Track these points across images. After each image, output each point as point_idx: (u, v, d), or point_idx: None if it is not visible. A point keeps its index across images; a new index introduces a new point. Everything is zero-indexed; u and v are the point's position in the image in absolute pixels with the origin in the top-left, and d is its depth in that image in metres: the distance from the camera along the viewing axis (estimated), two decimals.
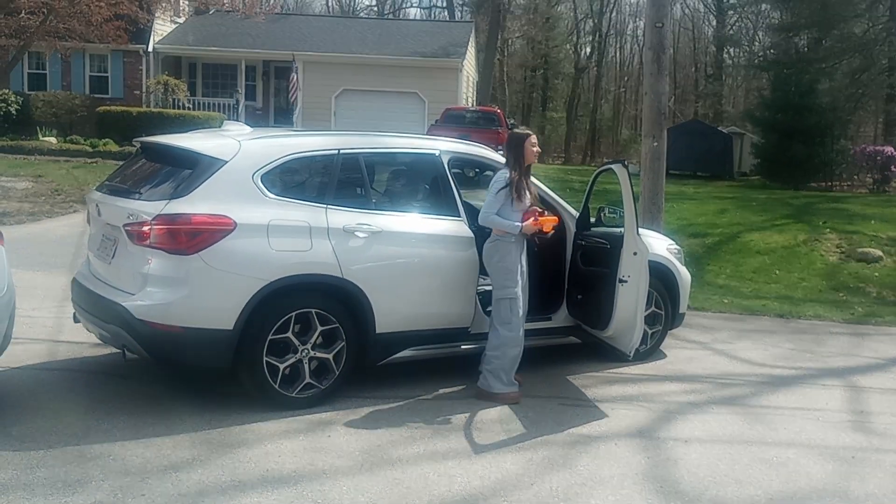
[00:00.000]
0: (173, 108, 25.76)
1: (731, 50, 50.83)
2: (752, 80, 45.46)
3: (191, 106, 26.80)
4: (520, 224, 5.66)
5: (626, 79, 55.18)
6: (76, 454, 4.45)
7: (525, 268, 5.85)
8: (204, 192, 5.15)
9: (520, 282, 5.74)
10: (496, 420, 5.35)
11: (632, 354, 6.17)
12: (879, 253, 12.56)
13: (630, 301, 6.01)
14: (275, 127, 23.88)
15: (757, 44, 47.97)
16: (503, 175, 5.77)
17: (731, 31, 49.18)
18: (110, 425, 4.88)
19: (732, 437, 5.29)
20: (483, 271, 6.11)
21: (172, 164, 5.55)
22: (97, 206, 5.71)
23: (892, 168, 25.59)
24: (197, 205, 5.09)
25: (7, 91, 23.39)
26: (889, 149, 26.24)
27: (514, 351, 5.72)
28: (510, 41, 48.21)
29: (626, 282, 6.01)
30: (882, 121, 37.63)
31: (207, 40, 28.70)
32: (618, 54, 56.51)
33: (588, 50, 52.93)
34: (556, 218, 6.15)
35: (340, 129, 21.89)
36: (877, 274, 11.82)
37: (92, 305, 5.43)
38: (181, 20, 29.79)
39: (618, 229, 6.32)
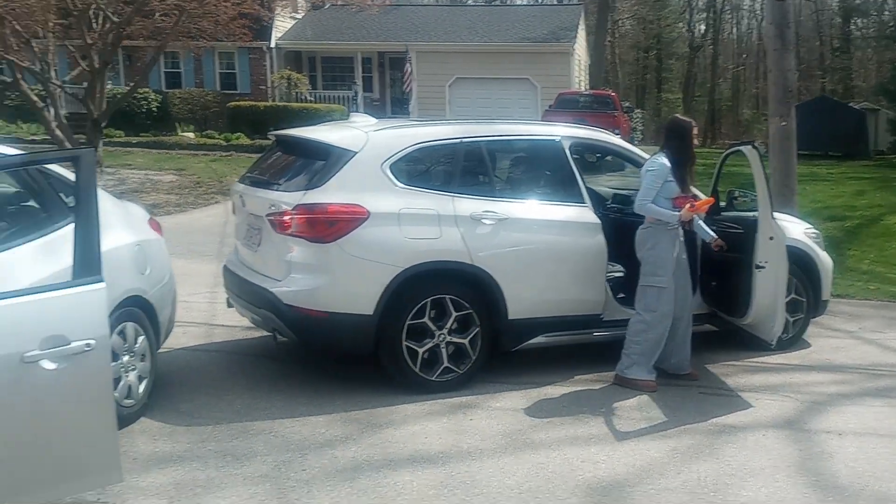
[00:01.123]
0: (296, 101, 26.64)
1: (859, 20, 48.07)
2: (883, 52, 42.97)
3: (312, 99, 27.59)
4: (678, 213, 5.56)
5: (744, 56, 53.12)
6: (240, 430, 4.71)
7: (685, 258, 5.78)
8: (337, 183, 5.31)
9: (670, 271, 5.62)
10: (635, 407, 5.30)
11: (775, 342, 5.97)
12: None
13: (769, 287, 5.81)
14: (392, 117, 24.29)
15: (887, 13, 45.21)
16: (658, 162, 5.65)
17: (859, 1, 46.42)
18: (268, 403, 5.14)
19: (891, 431, 5.03)
20: (611, 258, 6.05)
21: (306, 156, 5.75)
22: (241, 196, 5.97)
23: None
24: (331, 194, 5.25)
25: (147, 90, 24.79)
26: None
27: (655, 338, 5.63)
28: (620, 22, 47.22)
29: (763, 267, 5.81)
30: None
31: (325, 34, 29.44)
32: (734, 30, 54.45)
33: (703, 28, 51.23)
34: (711, 199, 6.06)
35: (455, 117, 22.10)
36: None
37: (243, 291, 5.70)
38: (300, 16, 30.63)
39: (750, 213, 6.12)
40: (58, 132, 15.63)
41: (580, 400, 5.40)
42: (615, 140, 6.73)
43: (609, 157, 8.39)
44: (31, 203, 4.50)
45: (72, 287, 3.11)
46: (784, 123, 9.95)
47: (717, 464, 4.45)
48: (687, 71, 49.04)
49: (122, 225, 5.02)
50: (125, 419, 4.50)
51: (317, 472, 4.17)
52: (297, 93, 27.24)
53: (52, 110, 16.14)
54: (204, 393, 5.30)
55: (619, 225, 6.42)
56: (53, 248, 4.05)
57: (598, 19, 34.18)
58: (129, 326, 4.70)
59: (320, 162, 5.49)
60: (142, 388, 4.83)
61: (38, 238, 4.12)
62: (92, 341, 3.05)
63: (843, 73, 46.51)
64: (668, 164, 5.60)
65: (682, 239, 5.77)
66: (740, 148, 6.25)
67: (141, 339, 4.83)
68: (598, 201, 6.89)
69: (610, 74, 43.20)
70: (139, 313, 4.84)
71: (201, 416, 4.89)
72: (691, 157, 5.77)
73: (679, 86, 49.99)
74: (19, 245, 4.03)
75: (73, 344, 3.00)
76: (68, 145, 15.23)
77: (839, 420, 5.18)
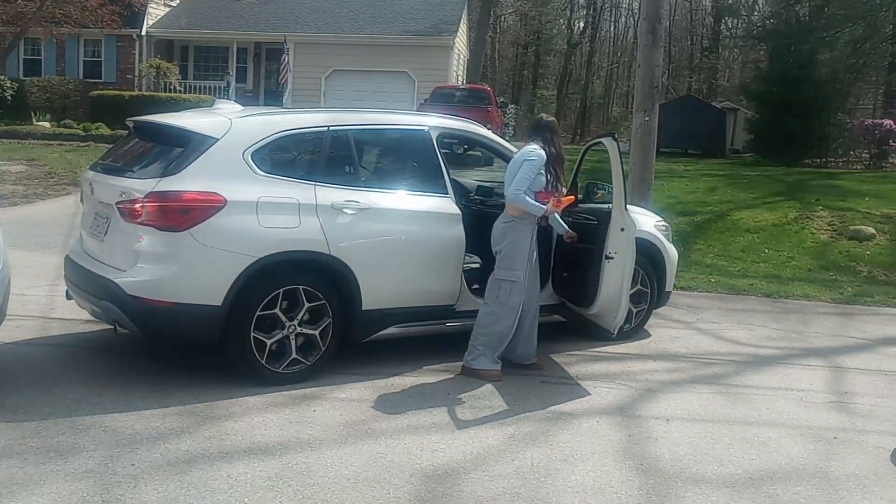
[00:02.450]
0: (165, 91, 25.80)
1: (730, 21, 50.29)
2: (749, 53, 44.90)
3: (182, 89, 26.76)
4: (545, 207, 5.67)
5: (619, 54, 54.78)
6: (68, 425, 4.52)
7: (537, 252, 5.90)
8: (195, 170, 5.20)
9: (527, 266, 5.75)
10: (479, 396, 5.42)
11: (616, 333, 6.22)
12: (872, 230, 12.43)
13: (616, 278, 6.04)
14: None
15: (756, 14, 47.46)
16: (537, 152, 5.72)
17: (731, 1, 48.54)
18: (101, 398, 4.95)
19: (714, 416, 5.35)
20: (469, 249, 6.17)
21: (164, 143, 5.60)
22: (90, 184, 5.76)
23: (891, 142, 25.27)
24: (188, 182, 5.14)
25: (3, 77, 23.62)
26: (888, 122, 25.85)
27: (503, 331, 5.76)
28: (503, 17, 47.84)
29: (612, 258, 6.03)
30: (882, 93, 37.40)
31: (199, 23, 28.63)
32: (612, 28, 56.08)
33: (581, 25, 52.50)
34: (573, 197, 6.22)
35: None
36: (868, 252, 11.79)
37: (84, 282, 5.49)
38: (174, 3, 29.66)
39: (605, 205, 6.34)
40: None
41: (426, 390, 5.49)
42: (484, 132, 6.83)
43: (478, 149, 8.52)
44: None
45: None
46: (647, 118, 10.34)
47: (550, 450, 4.62)
48: (563, 68, 50.21)
49: None
50: None
51: (146, 467, 4.06)
52: (166, 82, 26.37)
53: None
54: (32, 388, 5.07)
55: (481, 216, 6.56)
56: None
57: (481, 14, 34.47)
58: None
59: (178, 149, 5.36)
60: None
61: None
62: None
63: (709, 73, 48.66)
64: (546, 156, 5.71)
65: (536, 234, 5.91)
66: (601, 139, 6.44)
67: None
68: (462, 193, 7.00)
69: (488, 70, 43.79)
70: None
71: (27, 412, 4.67)
72: (562, 155, 5.92)
73: (554, 82, 51.13)
74: None
75: None
76: None
77: (668, 406, 5.46)
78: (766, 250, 11.92)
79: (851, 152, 27.93)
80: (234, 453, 4.30)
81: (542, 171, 5.71)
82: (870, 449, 4.92)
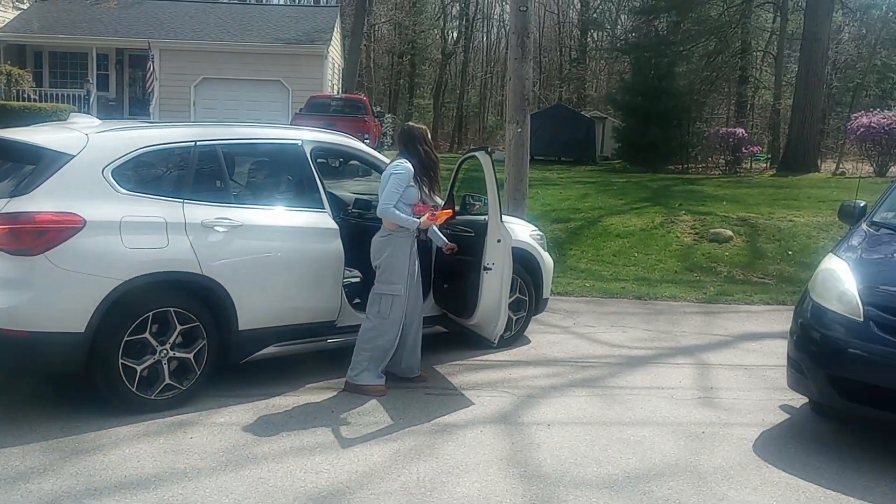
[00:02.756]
0: (17, 100, 24.13)
1: (595, 33, 52.16)
2: (614, 64, 46.83)
3: (37, 97, 25.20)
4: (418, 220, 5.65)
5: (492, 64, 55.85)
6: None
7: (418, 265, 5.87)
8: (49, 189, 4.93)
9: (408, 281, 5.73)
10: (364, 412, 5.37)
11: (496, 341, 6.29)
12: (730, 233, 13.13)
13: (495, 288, 6.10)
14: (129, 119, 22.92)
15: (619, 27, 49.53)
16: (404, 165, 5.70)
17: (595, 15, 50.27)
18: None
19: (592, 418, 5.49)
20: (349, 263, 6.10)
21: (13, 160, 5.30)
22: None
23: (744, 149, 27.19)
24: (41, 202, 4.86)
25: None
26: (740, 130, 27.91)
27: (385, 345, 5.73)
28: (377, 26, 47.88)
29: (490, 269, 6.07)
30: (734, 103, 39.88)
31: (54, 27, 27.15)
32: (484, 39, 57.09)
33: (455, 35, 53.24)
34: (450, 211, 6.20)
35: (200, 121, 21.22)
36: (727, 253, 12.40)
37: None
38: (25, 6, 28.04)
39: (482, 217, 6.39)
40: None
41: (308, 409, 5.38)
42: (359, 145, 6.78)
43: (353, 163, 8.45)
44: None
45: None
46: (520, 130, 10.54)
47: (436, 463, 4.61)
48: (438, 77, 50.75)
49: None
50: None
51: None
52: (18, 90, 24.73)
53: None
54: None
55: (359, 230, 6.51)
56: None
57: (354, 23, 34.32)
58: None
59: (30, 167, 5.06)
60: None
61: None
62: None
63: (578, 83, 50.30)
64: (413, 168, 5.70)
65: (416, 247, 5.89)
66: (475, 153, 6.49)
67: None
68: (339, 206, 6.92)
69: (364, 78, 43.70)
70: None
71: None
72: (434, 161, 5.91)
73: (430, 91, 51.58)
74: None
75: None
76: None
77: (549, 411, 5.57)
78: (636, 254, 12.38)
79: (709, 159, 29.65)
80: (103, 490, 4.07)
81: (413, 183, 5.71)
82: (735, 441, 5.17)
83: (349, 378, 5.75)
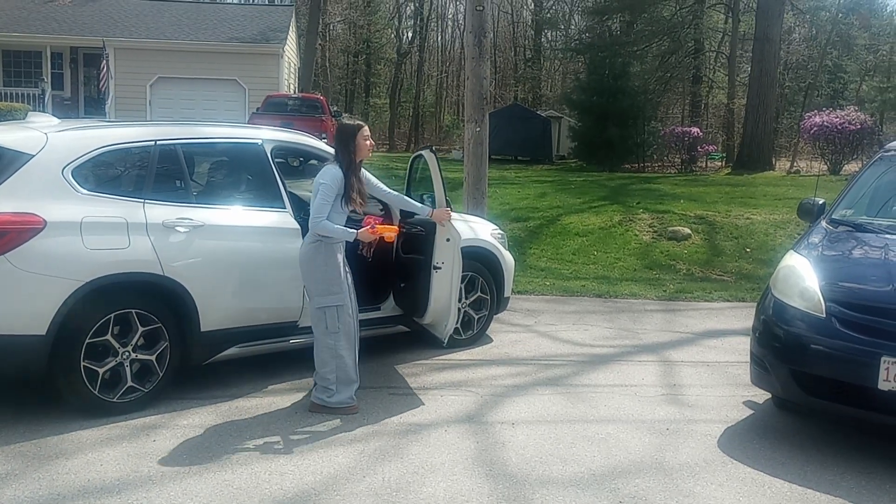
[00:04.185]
0: None
1: (549, 33, 52.41)
2: (569, 64, 47.15)
3: None
4: (355, 231, 5.36)
5: (448, 64, 55.89)
6: None
7: (347, 267, 5.49)
8: (8, 190, 4.87)
9: (346, 286, 5.39)
10: (328, 414, 5.34)
11: (446, 341, 6.31)
12: (688, 231, 13.28)
13: (444, 288, 6.08)
14: (85, 118, 22.48)
15: (573, 27, 49.87)
16: (330, 173, 5.35)
17: (549, 15, 50.44)
18: None
19: (556, 416, 5.53)
20: None
21: None
22: None
23: (699, 148, 27.67)
24: (0, 203, 4.76)
25: None
26: (695, 129, 28.42)
27: (347, 358, 5.37)
28: (332, 25, 47.60)
29: (440, 268, 6.05)
30: (688, 102, 40.51)
31: (7, 25, 26.48)
32: (439, 38, 57.06)
33: (410, 34, 53.14)
34: (395, 228, 6.04)
35: (157, 119, 20.93)
36: (686, 251, 12.56)
37: None
38: None
39: None
40: None
41: (272, 411, 5.35)
42: (319, 144, 6.74)
43: (313, 162, 8.40)
44: None
45: None
46: (478, 129, 10.59)
47: (401, 463, 4.62)
48: (394, 76, 50.63)
49: None
50: None
51: None
52: None
53: None
54: None
55: None
56: None
57: (309, 21, 34.12)
58: None
59: None
60: None
61: None
62: None
63: (533, 83, 50.58)
64: (341, 173, 5.36)
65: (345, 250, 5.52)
66: (421, 153, 6.49)
67: None
68: (301, 206, 6.87)
69: (320, 78, 43.44)
70: None
71: None
72: (357, 164, 5.45)
73: (387, 91, 51.44)
74: None
75: None
76: None
77: (513, 410, 5.60)
78: (596, 252, 12.49)
79: (665, 157, 30.06)
80: (67, 495, 4.01)
81: (342, 190, 5.31)
82: (699, 437, 5.23)
83: (320, 401, 5.34)
